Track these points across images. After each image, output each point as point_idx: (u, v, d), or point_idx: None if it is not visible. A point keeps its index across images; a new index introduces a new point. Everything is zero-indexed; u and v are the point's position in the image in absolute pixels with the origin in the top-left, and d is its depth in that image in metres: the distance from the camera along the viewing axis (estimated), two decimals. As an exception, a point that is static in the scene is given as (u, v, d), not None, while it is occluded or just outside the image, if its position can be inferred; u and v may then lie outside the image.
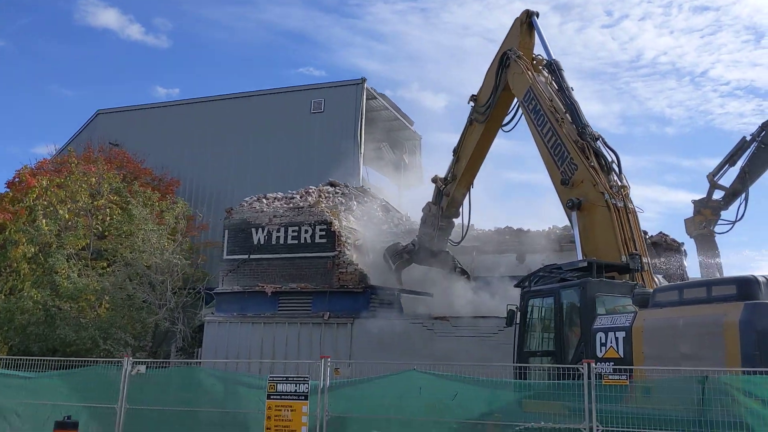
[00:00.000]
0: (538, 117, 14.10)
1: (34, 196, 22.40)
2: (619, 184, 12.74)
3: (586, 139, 13.11)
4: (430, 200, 18.83)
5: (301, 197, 22.25)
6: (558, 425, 8.49)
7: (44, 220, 22.16)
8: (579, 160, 12.82)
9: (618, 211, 12.24)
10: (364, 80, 31.98)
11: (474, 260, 20.75)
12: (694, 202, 29.14)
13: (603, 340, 10.43)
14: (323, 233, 20.04)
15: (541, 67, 15.14)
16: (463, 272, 19.74)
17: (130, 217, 21.46)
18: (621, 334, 10.12)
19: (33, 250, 22.04)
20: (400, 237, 21.93)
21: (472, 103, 17.12)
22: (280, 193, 22.58)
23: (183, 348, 20.77)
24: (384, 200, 24.57)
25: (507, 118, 16.35)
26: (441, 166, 18.91)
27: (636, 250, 12.17)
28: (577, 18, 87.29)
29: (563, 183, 13.03)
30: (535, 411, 8.98)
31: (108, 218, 24.01)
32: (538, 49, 15.79)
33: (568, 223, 21.24)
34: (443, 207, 18.34)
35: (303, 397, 9.82)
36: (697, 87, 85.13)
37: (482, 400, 9.34)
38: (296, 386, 9.90)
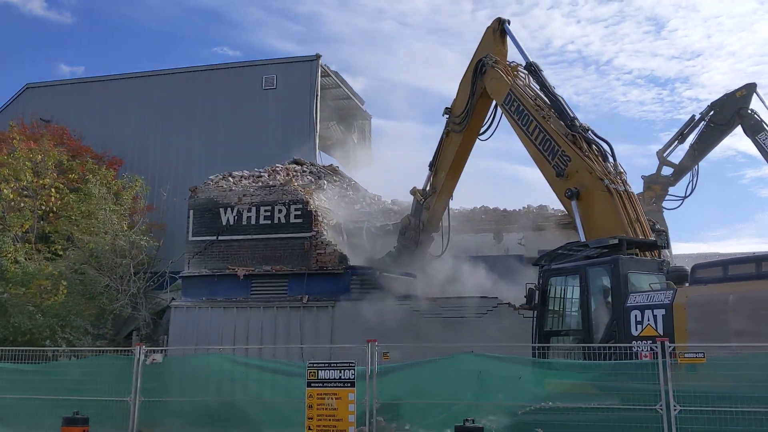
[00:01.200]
0: (522, 117, 14.22)
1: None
2: (616, 170, 12.85)
3: (576, 131, 13.27)
4: (409, 213, 18.49)
5: (269, 175, 21.25)
6: (633, 406, 8.09)
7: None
8: (571, 151, 12.95)
9: (620, 195, 12.21)
10: (318, 56, 31.01)
11: (451, 240, 20.27)
12: (644, 177, 29.90)
13: (639, 318, 10.16)
14: (298, 213, 19.12)
15: (517, 71, 15.25)
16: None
17: (87, 197, 19.80)
18: (660, 312, 9.86)
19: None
20: (374, 217, 21.31)
21: (446, 116, 17.08)
22: (246, 171, 21.49)
23: (146, 335, 19.45)
24: (352, 179, 23.79)
25: (483, 127, 16.37)
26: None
27: (643, 231, 12.14)
28: (489, 5, 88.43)
29: (558, 175, 13.07)
30: (597, 393, 8.56)
31: (54, 198, 22.23)
32: (512, 55, 15.96)
33: (541, 202, 21.42)
34: (424, 221, 18.05)
35: (349, 384, 9.08)
36: (602, 75, 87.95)
37: (541, 383, 8.82)
38: (341, 372, 9.14)
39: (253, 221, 19.43)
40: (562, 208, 21.49)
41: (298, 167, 22.62)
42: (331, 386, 9.16)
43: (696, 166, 28.71)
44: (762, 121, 27.02)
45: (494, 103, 15.78)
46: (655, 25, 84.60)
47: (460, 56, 79.46)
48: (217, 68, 32.83)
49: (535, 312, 11.72)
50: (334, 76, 32.75)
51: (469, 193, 22.53)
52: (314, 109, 30.56)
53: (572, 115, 13.52)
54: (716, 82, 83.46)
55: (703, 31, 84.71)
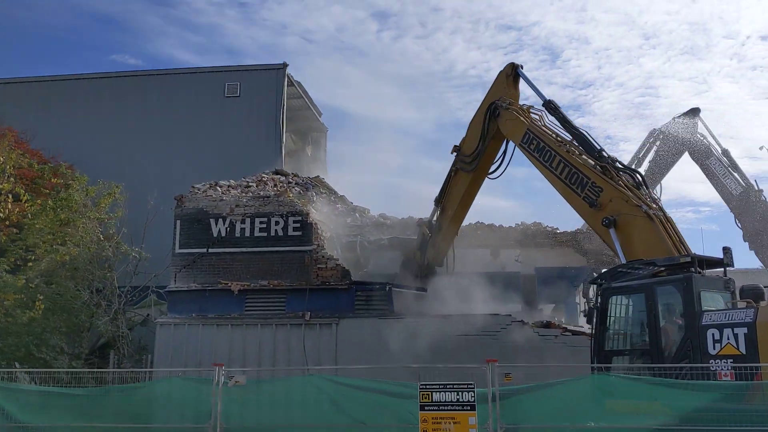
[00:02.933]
0: (544, 154, 14.38)
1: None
2: (650, 196, 13.11)
3: (605, 162, 13.48)
4: (415, 246, 18.57)
5: (257, 185, 20.28)
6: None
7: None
8: (602, 182, 13.07)
9: (660, 219, 12.27)
10: (285, 65, 30.28)
11: (449, 255, 19.96)
12: None
13: (717, 337, 10.09)
14: (297, 225, 18.31)
15: (531, 112, 15.49)
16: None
17: (67, 203, 18.11)
18: (741, 330, 9.81)
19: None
20: (366, 230, 20.74)
21: (454, 153, 17.13)
22: (232, 180, 20.43)
23: (127, 354, 17.99)
24: (338, 192, 23.09)
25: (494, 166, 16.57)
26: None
27: (687, 252, 12.22)
28: (394, 27, 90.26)
29: (592, 206, 13.11)
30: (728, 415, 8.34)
31: (11, 206, 20.31)
32: (527, 96, 16.24)
33: (536, 219, 21.47)
34: (429, 259, 18.14)
35: (469, 407, 8.48)
36: None
37: (681, 403, 8.47)
38: (459, 394, 8.52)
39: (247, 233, 18.44)
40: (556, 225, 21.77)
41: (282, 178, 21.70)
42: (448, 410, 8.56)
43: (655, 188, 29.71)
44: (711, 145, 28.20)
45: (506, 143, 16.04)
46: (550, 54, 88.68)
47: (365, 75, 79.97)
48: (176, 73, 31.42)
49: (594, 331, 11.49)
50: (297, 87, 31.99)
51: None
52: (281, 119, 29.73)
53: (599, 147, 13.75)
54: (606, 111, 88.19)
55: (594, 62, 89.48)
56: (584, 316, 11.96)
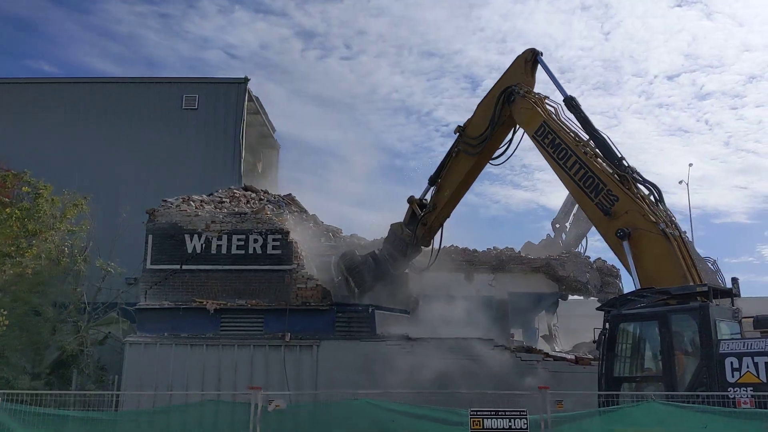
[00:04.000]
0: (559, 151, 14.08)
1: None
2: (666, 214, 12.93)
3: (625, 171, 13.20)
4: (402, 221, 17.86)
5: (230, 201, 19.75)
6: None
7: None
8: (620, 192, 12.84)
9: (675, 240, 12.34)
10: (247, 80, 29.78)
11: (422, 278, 19.94)
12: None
13: (735, 365, 10.35)
14: (277, 243, 17.89)
15: (546, 103, 15.17)
16: (415, 302, 18.99)
17: (35, 213, 16.99)
18: (762, 359, 10.11)
19: None
20: (340, 251, 20.44)
21: (457, 134, 16.75)
22: (204, 195, 19.80)
23: (90, 375, 17.01)
24: (309, 211, 22.72)
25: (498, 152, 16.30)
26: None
27: (698, 276, 12.46)
28: (319, 47, 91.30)
29: (605, 214, 12.91)
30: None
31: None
32: (542, 87, 15.94)
33: (507, 245, 21.74)
34: (418, 236, 17.52)
35: None
36: (423, 125, 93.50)
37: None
38: (510, 421, 8.40)
39: (224, 250, 17.86)
40: (526, 251, 22.11)
41: (253, 195, 21.23)
42: None
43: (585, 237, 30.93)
44: None
45: (514, 130, 15.71)
46: (471, 82, 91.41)
47: (287, 93, 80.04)
48: (132, 81, 30.39)
49: (602, 357, 11.60)
50: (255, 102, 31.50)
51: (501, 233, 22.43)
52: (241, 134, 29.19)
53: (620, 155, 13.39)
54: (523, 140, 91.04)
55: None
56: (593, 342, 12.05)
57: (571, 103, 14.57)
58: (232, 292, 17.62)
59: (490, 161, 16.56)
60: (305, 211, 22.06)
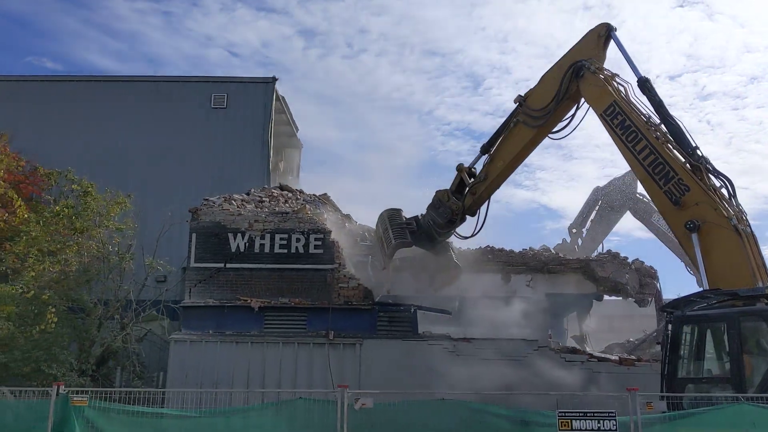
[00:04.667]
0: (628, 132, 13.66)
1: None
2: (738, 209, 12.55)
3: (699, 161, 12.80)
4: (449, 188, 17.35)
5: (269, 201, 19.92)
6: None
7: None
8: (692, 182, 12.49)
9: (746, 237, 12.13)
10: (275, 79, 29.93)
11: (459, 279, 20.07)
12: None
13: (804, 366, 10.45)
14: (319, 243, 18.06)
15: (615, 81, 14.64)
16: (456, 267, 18.70)
17: (82, 211, 17.13)
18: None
19: None
20: (377, 250, 20.60)
21: (517, 104, 16.15)
22: (244, 194, 19.98)
23: (137, 371, 17.19)
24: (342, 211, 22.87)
25: (563, 124, 15.68)
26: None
27: (764, 277, 12.26)
28: (320, 45, 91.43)
29: (675, 204, 12.59)
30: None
31: (4, 212, 19.26)
32: (614, 66, 15.32)
33: (542, 245, 21.83)
34: (465, 204, 16.98)
35: None
36: (424, 124, 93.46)
37: None
38: (600, 423, 8.53)
39: (266, 249, 18.04)
40: (564, 252, 22.21)
41: (290, 194, 21.38)
42: None
43: (602, 243, 31.09)
44: (650, 202, 29.49)
45: (579, 106, 15.25)
46: (472, 81, 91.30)
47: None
48: (161, 80, 30.58)
49: (665, 358, 11.67)
50: (282, 101, 31.67)
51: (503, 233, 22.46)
52: (269, 133, 29.35)
53: (694, 144, 12.96)
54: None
55: (514, 92, 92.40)
56: (657, 343, 12.08)
57: (645, 84, 14.02)
58: (274, 290, 17.79)
59: (550, 135, 15.96)
60: (339, 211, 22.21)
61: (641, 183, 13.69)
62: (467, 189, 16.97)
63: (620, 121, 13.85)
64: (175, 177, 27.89)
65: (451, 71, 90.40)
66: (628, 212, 31.21)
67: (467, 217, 17.36)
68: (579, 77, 14.97)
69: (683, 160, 12.94)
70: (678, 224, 12.67)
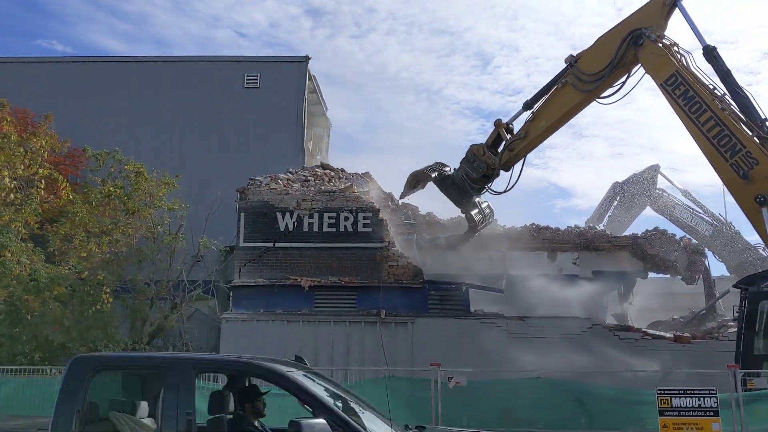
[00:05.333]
0: (691, 104, 13.31)
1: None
2: None
3: None
4: (484, 142, 16.93)
5: (315, 179, 19.83)
6: None
7: (-13, 189, 17.24)
8: (761, 155, 12.24)
9: None
10: (308, 58, 29.70)
11: (505, 256, 19.98)
12: None
13: None
14: (367, 222, 17.98)
15: (675, 49, 14.24)
16: (483, 219, 18.23)
17: (133, 192, 17.12)
18: None
19: (-34, 228, 17.05)
20: (420, 229, 20.55)
21: (567, 64, 15.65)
22: (289, 173, 19.90)
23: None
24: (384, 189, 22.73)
25: (610, 90, 15.21)
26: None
27: None
28: (328, 25, 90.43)
29: (742, 177, 12.31)
30: None
31: (44, 192, 19.23)
32: (677, 34, 14.97)
33: (584, 223, 21.56)
34: (501, 159, 16.51)
35: (712, 413, 8.41)
36: (433, 104, 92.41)
37: None
38: (700, 400, 8.44)
39: (315, 228, 17.99)
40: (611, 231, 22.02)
41: (332, 173, 21.27)
42: (689, 415, 8.45)
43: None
44: (672, 196, 29.40)
45: (631, 74, 14.88)
46: (481, 60, 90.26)
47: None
48: (193, 60, 30.44)
49: (741, 334, 11.56)
50: (314, 80, 31.46)
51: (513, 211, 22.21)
52: (303, 112, 29.18)
53: (763, 116, 12.80)
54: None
55: (523, 70, 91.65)
56: (732, 320, 11.94)
57: (711, 53, 13.65)
58: (324, 269, 17.76)
59: (598, 99, 15.53)
60: (382, 190, 22.07)
61: (706, 156, 13.27)
62: (504, 145, 16.52)
63: (683, 91, 13.51)
64: (210, 157, 27.84)
65: (459, 50, 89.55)
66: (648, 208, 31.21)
67: (501, 172, 16.79)
68: (638, 45, 14.53)
69: (750, 132, 12.66)
70: (746, 198, 12.43)
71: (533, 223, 20.77)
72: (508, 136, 16.55)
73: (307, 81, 29.54)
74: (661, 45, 14.25)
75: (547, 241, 20.26)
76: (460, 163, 17.26)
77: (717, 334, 16.48)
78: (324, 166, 22.20)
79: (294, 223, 18.01)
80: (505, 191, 17.01)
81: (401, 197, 18.49)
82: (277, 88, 29.33)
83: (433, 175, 17.28)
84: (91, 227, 18.22)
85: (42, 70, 29.56)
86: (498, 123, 16.77)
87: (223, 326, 17.11)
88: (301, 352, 16.61)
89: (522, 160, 16.58)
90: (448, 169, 17.57)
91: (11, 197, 18.27)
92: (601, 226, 30.83)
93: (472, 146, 17.10)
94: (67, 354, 15.77)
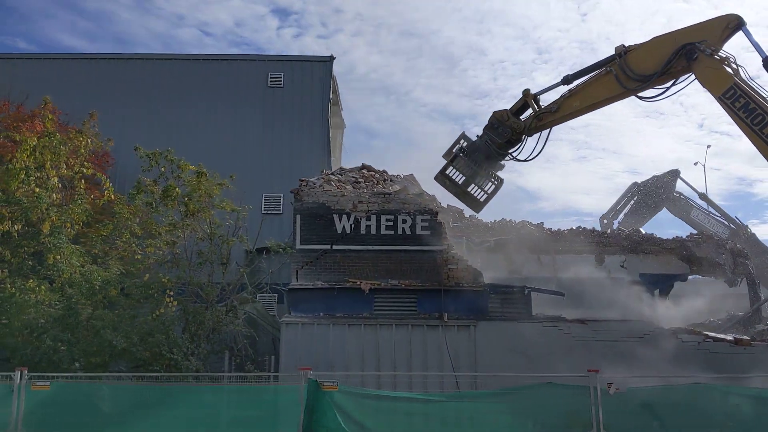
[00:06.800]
0: (754, 115, 13.49)
1: (26, 155, 16.84)
2: None
3: None
4: (509, 108, 16.63)
5: (365, 181, 19.64)
6: None
7: (37, 189, 16.86)
8: None
9: None
10: (332, 58, 29.55)
11: (555, 260, 20.03)
12: None
13: None
14: (426, 224, 17.85)
15: (728, 62, 14.21)
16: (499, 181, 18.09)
17: (192, 193, 16.71)
18: None
19: (17, 227, 16.62)
20: (469, 231, 20.50)
21: (618, 54, 15.37)
22: (338, 174, 19.70)
23: (250, 355, 16.97)
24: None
25: (652, 92, 15.14)
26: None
27: None
28: (295, 24, 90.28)
29: None
30: None
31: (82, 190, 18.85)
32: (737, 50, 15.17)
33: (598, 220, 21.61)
34: (528, 126, 16.36)
35: None
36: (401, 105, 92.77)
37: None
38: None
39: (373, 231, 17.81)
40: (657, 233, 22.15)
41: (376, 174, 21.07)
42: None
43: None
44: (689, 199, 30.21)
45: (677, 82, 14.92)
46: (448, 63, 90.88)
47: None
48: (217, 59, 30.04)
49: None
50: (333, 80, 31.26)
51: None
52: (328, 112, 28.99)
53: None
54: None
55: (490, 73, 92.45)
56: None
57: None
58: (383, 272, 17.60)
59: (637, 96, 15.47)
60: (425, 192, 21.94)
61: None
62: (533, 114, 16.37)
63: (743, 103, 13.67)
64: (234, 156, 27.47)
65: (427, 52, 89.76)
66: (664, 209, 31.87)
67: (527, 139, 16.58)
68: (691, 59, 14.58)
69: None
70: None
71: (579, 226, 20.85)
72: (537, 107, 16.36)
73: (331, 81, 29.35)
74: (717, 58, 14.33)
75: (594, 243, 20.33)
76: (484, 129, 16.92)
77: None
78: (364, 167, 21.97)
79: (351, 225, 17.82)
80: (529, 159, 16.66)
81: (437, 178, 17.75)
82: (301, 88, 29.10)
83: (462, 143, 16.94)
84: (141, 228, 17.83)
85: (52, 67, 28.90)
86: (527, 93, 16.58)
87: (283, 330, 16.84)
88: (363, 356, 16.67)
89: (548, 131, 16.41)
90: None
91: (54, 197, 17.93)
92: (615, 224, 31.37)
93: (495, 112, 16.81)
94: (130, 359, 15.45)
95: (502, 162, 17.05)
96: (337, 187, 18.67)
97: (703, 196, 30.74)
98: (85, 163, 19.67)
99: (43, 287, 15.78)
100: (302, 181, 18.85)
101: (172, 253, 16.77)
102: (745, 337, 16.99)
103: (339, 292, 17.27)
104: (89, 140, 18.58)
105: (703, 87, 14.75)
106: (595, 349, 16.16)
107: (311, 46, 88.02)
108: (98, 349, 15.23)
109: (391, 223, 17.90)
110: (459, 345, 16.79)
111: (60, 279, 16.63)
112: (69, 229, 17.43)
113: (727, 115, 14.20)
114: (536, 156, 16.44)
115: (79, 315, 15.52)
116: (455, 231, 20.35)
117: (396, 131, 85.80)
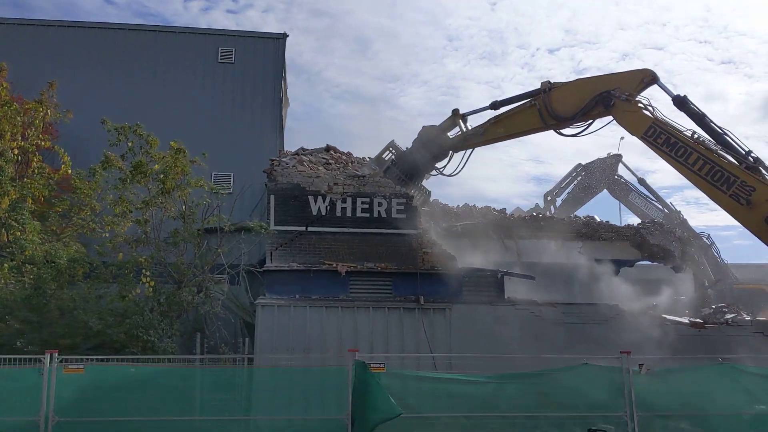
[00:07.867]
0: (676, 149, 14.62)
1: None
2: None
3: (758, 163, 13.91)
4: (438, 125, 18.79)
5: (335, 163, 19.51)
6: None
7: (-6, 160, 15.88)
8: (755, 182, 13.55)
9: None
10: (286, 36, 28.91)
11: (517, 245, 20.58)
12: None
13: None
14: (401, 208, 17.95)
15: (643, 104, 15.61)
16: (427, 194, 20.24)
17: (169, 171, 15.95)
18: None
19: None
20: (436, 217, 20.74)
21: (541, 90, 16.95)
22: (310, 156, 19.45)
23: (223, 337, 16.57)
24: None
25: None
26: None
27: None
28: None
29: (747, 204, 13.50)
30: None
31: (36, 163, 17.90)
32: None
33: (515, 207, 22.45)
34: (455, 145, 18.54)
35: None
36: (312, 86, 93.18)
37: None
38: None
39: (348, 213, 17.76)
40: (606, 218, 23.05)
41: (343, 156, 20.95)
42: None
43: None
44: (628, 182, 32.35)
45: (591, 123, 16.40)
46: (361, 45, 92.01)
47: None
48: (166, 31, 28.78)
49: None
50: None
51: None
52: (280, 91, 28.46)
53: (747, 149, 14.08)
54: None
55: (402, 58, 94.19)
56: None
57: (682, 101, 15.00)
58: (358, 254, 17.61)
59: (556, 131, 17.02)
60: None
61: (705, 193, 14.35)
62: (462, 134, 18.40)
63: (665, 139, 14.76)
64: (181, 131, 26.54)
65: (339, 33, 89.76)
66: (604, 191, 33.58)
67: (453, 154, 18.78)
68: (609, 106, 15.81)
69: (735, 162, 13.92)
70: (753, 221, 13.65)
71: (539, 213, 21.46)
72: (465, 128, 18.37)
73: (284, 59, 28.77)
74: (632, 102, 15.51)
75: (553, 230, 21.02)
76: (413, 143, 18.96)
77: (728, 321, 17.85)
78: (328, 149, 21.79)
79: (327, 207, 17.71)
80: (453, 174, 18.82)
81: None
82: (253, 65, 28.36)
83: (391, 151, 19.23)
84: (111, 205, 16.95)
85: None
86: (456, 112, 18.54)
87: (259, 312, 16.55)
88: (341, 338, 16.63)
89: (471, 150, 18.47)
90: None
91: (11, 170, 16.95)
92: (558, 200, 32.66)
93: (425, 127, 18.95)
94: (106, 340, 14.81)
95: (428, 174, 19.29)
96: (310, 168, 18.47)
97: (642, 181, 32.38)
98: (41, 135, 18.62)
99: (6, 265, 14.87)
100: (273, 160, 18.56)
101: (143, 232, 16.08)
102: (698, 320, 18.06)
103: (315, 274, 17.14)
104: (48, 111, 17.50)
105: (624, 129, 15.98)
106: (565, 330, 16.83)
107: (220, 20, 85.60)
108: (69, 331, 14.51)
109: (367, 206, 17.91)
110: (435, 327, 17.02)
111: (20, 257, 15.74)
112: (29, 205, 16.48)
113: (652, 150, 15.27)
114: (460, 171, 18.57)
115: (46, 295, 14.70)
116: (426, 216, 20.52)
117: (308, 111, 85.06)
